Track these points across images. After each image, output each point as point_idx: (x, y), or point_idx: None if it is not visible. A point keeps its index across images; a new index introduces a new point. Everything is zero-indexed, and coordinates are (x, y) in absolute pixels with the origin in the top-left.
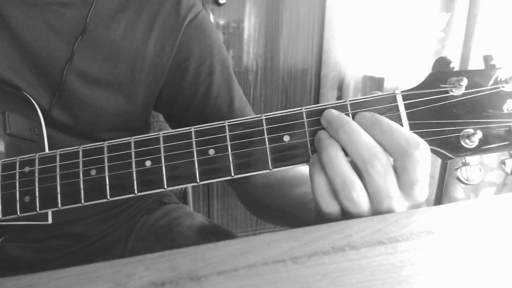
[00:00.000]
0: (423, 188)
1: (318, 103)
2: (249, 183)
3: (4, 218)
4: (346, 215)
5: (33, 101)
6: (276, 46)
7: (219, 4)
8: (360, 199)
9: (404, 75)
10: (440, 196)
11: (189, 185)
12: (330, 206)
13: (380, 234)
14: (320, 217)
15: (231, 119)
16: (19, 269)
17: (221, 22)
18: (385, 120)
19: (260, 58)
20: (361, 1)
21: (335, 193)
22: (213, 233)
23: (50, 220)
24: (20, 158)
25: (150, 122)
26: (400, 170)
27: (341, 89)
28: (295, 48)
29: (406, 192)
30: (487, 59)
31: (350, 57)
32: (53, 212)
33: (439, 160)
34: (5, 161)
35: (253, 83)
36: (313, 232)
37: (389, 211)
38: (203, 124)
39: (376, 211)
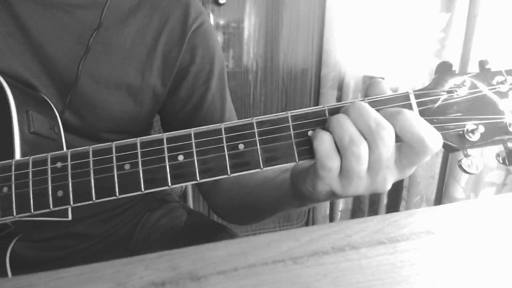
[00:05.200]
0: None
1: (318, 103)
2: (217, 185)
3: (31, 213)
4: (343, 176)
5: (49, 101)
6: (276, 46)
7: (219, 4)
8: (364, 156)
9: (404, 75)
10: (440, 196)
11: (221, 177)
12: (332, 160)
13: (380, 234)
14: (303, 183)
15: None
16: (24, 268)
17: (221, 22)
18: (396, 109)
19: (260, 58)
20: (361, 1)
21: (341, 150)
22: (213, 232)
23: (70, 217)
24: (51, 154)
25: (152, 122)
26: (407, 150)
27: (341, 89)
28: (295, 48)
29: (402, 171)
30: (482, 63)
31: (350, 57)
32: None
33: (439, 161)
34: (36, 157)
35: (253, 83)
36: (313, 232)
37: (382, 181)
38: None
39: (371, 180)
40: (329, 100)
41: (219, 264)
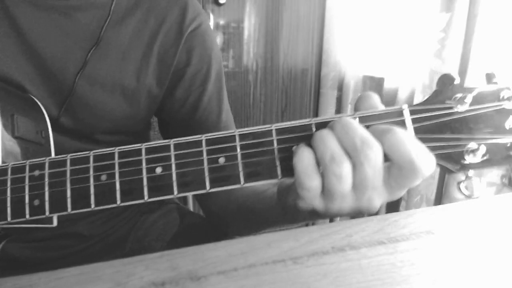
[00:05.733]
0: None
1: (318, 103)
2: (210, 194)
3: (7, 221)
4: (325, 195)
5: (40, 104)
6: (276, 46)
7: (219, 4)
8: (346, 176)
9: (404, 75)
10: (440, 196)
11: (199, 193)
12: (311, 180)
13: (380, 234)
14: (286, 199)
15: (218, 129)
16: (20, 269)
17: (221, 22)
18: (387, 126)
19: (260, 58)
20: (361, 1)
21: (322, 168)
22: (211, 235)
23: (55, 223)
24: (30, 162)
25: (151, 123)
26: (396, 172)
27: (341, 89)
28: (295, 48)
29: (391, 192)
30: (489, 77)
31: (350, 57)
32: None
33: None
34: (15, 164)
35: (253, 83)
36: (313, 232)
37: (368, 202)
38: (189, 132)
39: (356, 200)
40: (329, 100)
41: (219, 264)
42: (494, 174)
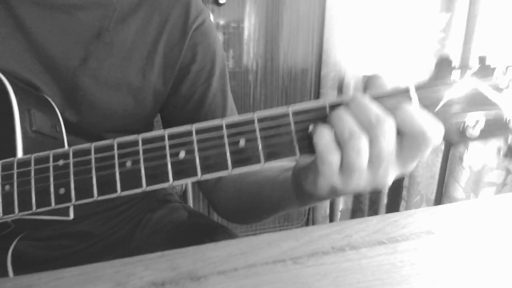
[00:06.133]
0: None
1: None
2: (218, 185)
3: (32, 211)
4: (344, 171)
5: (50, 100)
6: (276, 46)
7: (219, 4)
8: (364, 150)
9: (404, 75)
10: (440, 196)
11: (222, 175)
12: (332, 155)
13: (380, 234)
14: (303, 180)
15: None
16: (26, 267)
17: (221, 22)
18: (397, 102)
19: (260, 58)
20: (361, 1)
21: (341, 144)
22: (214, 233)
23: (71, 216)
24: (53, 152)
25: (153, 123)
26: (408, 143)
27: (341, 89)
28: (295, 48)
29: (403, 165)
30: (482, 59)
31: (350, 57)
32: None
33: (439, 160)
34: (38, 155)
35: (253, 83)
36: (313, 232)
37: (383, 176)
38: None
39: (372, 174)
40: None
41: (219, 264)
42: (494, 174)
